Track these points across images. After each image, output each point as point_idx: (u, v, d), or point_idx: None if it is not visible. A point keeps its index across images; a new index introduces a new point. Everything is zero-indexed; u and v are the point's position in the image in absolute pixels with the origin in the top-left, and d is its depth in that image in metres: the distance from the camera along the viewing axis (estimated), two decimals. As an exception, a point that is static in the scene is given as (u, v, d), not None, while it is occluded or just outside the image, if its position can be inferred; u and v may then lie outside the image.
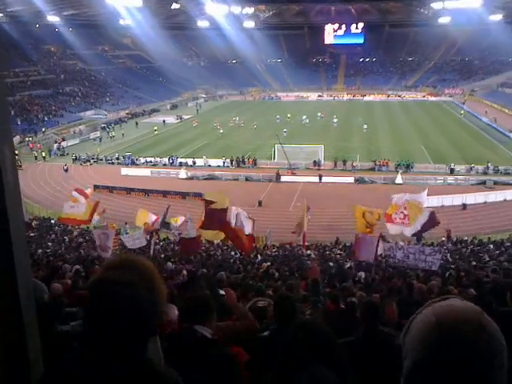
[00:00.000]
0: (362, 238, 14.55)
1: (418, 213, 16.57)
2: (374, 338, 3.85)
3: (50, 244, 23.42)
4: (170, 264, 15.37)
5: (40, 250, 19.23)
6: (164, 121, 69.72)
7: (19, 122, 57.91)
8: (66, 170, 44.21)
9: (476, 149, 47.89)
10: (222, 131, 59.40)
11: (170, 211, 23.79)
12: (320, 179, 39.35)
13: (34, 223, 29.08)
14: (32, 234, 25.15)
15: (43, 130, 58.99)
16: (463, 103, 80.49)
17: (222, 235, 18.44)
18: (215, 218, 16.50)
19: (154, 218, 21.60)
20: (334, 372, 1.83)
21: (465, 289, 9.17)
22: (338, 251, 22.42)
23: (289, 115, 68.25)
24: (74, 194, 21.68)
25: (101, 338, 1.45)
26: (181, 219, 22.50)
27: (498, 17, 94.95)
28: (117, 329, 1.44)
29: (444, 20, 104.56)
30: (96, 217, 22.78)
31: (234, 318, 4.96)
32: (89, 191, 23.24)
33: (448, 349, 1.10)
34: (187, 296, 3.30)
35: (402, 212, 16.47)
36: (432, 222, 16.67)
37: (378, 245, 14.12)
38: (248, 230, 19.16)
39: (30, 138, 55.37)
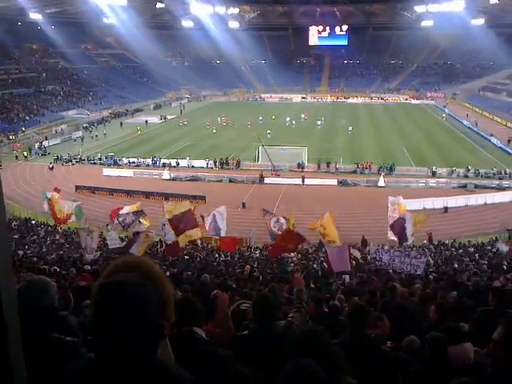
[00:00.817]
0: (330, 248, 14.52)
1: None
2: (361, 341, 3.85)
3: (30, 245, 23.11)
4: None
5: (21, 252, 18.95)
6: (146, 121, 68.99)
7: (-1, 121, 57.04)
8: (52, 168, 44.12)
9: (457, 152, 48.46)
10: (215, 131, 59.65)
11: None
12: (303, 181, 39.44)
13: (13, 224, 28.63)
14: (16, 237, 24.69)
15: (23, 129, 58.03)
16: (445, 106, 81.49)
17: (198, 233, 18.49)
18: (183, 220, 16.68)
19: (125, 209, 20.86)
20: (325, 368, 1.83)
21: (446, 292, 9.27)
22: (322, 254, 22.45)
23: (273, 117, 68.44)
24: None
25: (113, 341, 1.43)
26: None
27: (480, 21, 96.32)
28: (128, 330, 1.41)
29: (427, 23, 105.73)
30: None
31: (215, 320, 5.03)
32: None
33: None
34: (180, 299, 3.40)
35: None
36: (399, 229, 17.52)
37: (349, 253, 14.01)
38: (223, 232, 19.46)
39: (13, 137, 54.56)
